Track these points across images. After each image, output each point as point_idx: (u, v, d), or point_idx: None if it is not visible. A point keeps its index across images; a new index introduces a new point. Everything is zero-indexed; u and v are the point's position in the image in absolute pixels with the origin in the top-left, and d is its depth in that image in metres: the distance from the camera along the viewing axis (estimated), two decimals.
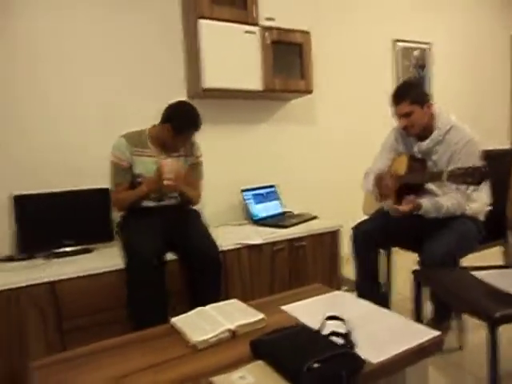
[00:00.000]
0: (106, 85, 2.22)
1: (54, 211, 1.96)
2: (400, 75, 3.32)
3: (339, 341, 1.01)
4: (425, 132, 1.81)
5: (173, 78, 2.40)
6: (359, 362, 0.94)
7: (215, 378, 0.91)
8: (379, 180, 1.85)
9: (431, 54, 3.49)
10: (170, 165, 1.77)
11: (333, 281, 2.31)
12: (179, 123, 1.81)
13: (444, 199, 1.71)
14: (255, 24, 2.30)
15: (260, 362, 0.97)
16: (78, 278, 1.68)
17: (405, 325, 1.17)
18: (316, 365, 0.89)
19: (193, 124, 1.84)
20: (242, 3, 2.27)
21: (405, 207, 1.66)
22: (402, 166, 1.81)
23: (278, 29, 2.37)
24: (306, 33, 2.47)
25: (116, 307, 1.72)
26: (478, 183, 1.39)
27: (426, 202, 1.69)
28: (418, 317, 1.54)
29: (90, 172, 2.13)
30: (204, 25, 2.16)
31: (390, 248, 2.09)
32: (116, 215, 2.02)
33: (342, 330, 1.04)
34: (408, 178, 1.76)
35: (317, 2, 2.78)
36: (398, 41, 3.31)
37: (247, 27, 2.27)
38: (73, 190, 2.01)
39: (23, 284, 1.59)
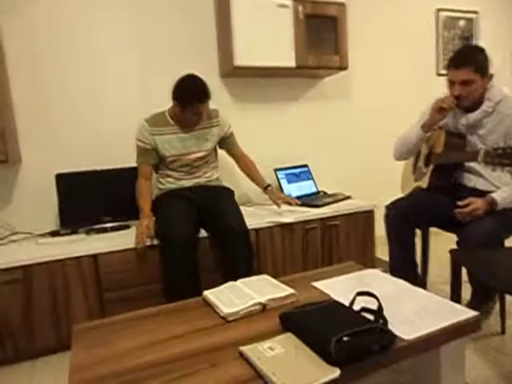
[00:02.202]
0: (140, 68, 2.26)
1: (94, 189, 2.04)
2: (443, 48, 3.13)
3: (370, 317, 1.00)
4: (474, 104, 1.68)
5: (206, 59, 2.40)
6: (390, 337, 0.92)
7: (244, 348, 0.93)
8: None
9: (478, 25, 3.25)
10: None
11: (367, 262, 2.27)
12: (182, 97, 1.81)
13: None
14: None
15: (289, 334, 0.97)
16: (117, 251, 1.75)
17: (440, 304, 1.12)
18: (346, 338, 0.88)
19: (196, 96, 1.80)
20: None
21: (478, 205, 1.57)
22: (439, 142, 1.72)
23: (312, 1, 2.29)
24: (341, 5, 2.37)
25: (152, 282, 1.79)
26: None
27: (499, 198, 1.57)
28: (455, 298, 1.48)
29: (127, 152, 2.19)
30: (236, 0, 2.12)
31: (427, 228, 2.01)
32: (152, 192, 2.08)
33: (374, 306, 1.02)
34: (443, 158, 1.67)
35: None
36: (442, 10, 3.10)
37: (280, 0, 2.21)
38: (110, 169, 2.08)
39: (68, 256, 1.68)
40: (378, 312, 0.99)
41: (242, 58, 2.18)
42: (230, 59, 2.20)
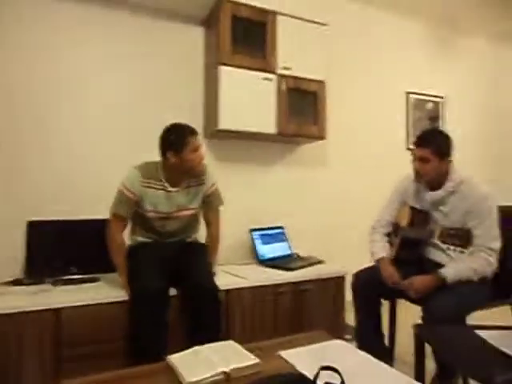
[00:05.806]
0: (128, 123, 2.34)
1: (65, 239, 2.03)
2: (413, 126, 3.40)
3: None
4: (436, 183, 1.80)
5: (191, 119, 2.48)
6: None
7: None
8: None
9: (445, 107, 3.57)
10: None
11: (336, 327, 2.26)
12: (176, 138, 1.80)
13: (466, 264, 1.66)
14: (273, 72, 2.42)
15: None
16: (83, 306, 1.69)
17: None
18: None
19: (187, 131, 1.83)
20: (261, 53, 2.41)
21: (416, 283, 1.66)
22: (404, 216, 1.83)
23: (294, 77, 2.49)
24: (320, 82, 2.58)
25: (116, 339, 1.71)
26: (466, 246, 1.47)
27: (448, 274, 1.64)
28: (418, 374, 1.48)
29: (102, 203, 2.15)
30: (224, 71, 2.29)
31: (394, 299, 2.04)
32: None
33: (337, 382, 1.03)
34: (407, 232, 1.80)
35: (332, 54, 2.87)
36: (411, 93, 3.41)
37: (265, 74, 2.40)
38: (83, 220, 2.08)
39: (27, 309, 1.60)
40: None
41: (225, 122, 2.30)
42: (215, 122, 2.32)
